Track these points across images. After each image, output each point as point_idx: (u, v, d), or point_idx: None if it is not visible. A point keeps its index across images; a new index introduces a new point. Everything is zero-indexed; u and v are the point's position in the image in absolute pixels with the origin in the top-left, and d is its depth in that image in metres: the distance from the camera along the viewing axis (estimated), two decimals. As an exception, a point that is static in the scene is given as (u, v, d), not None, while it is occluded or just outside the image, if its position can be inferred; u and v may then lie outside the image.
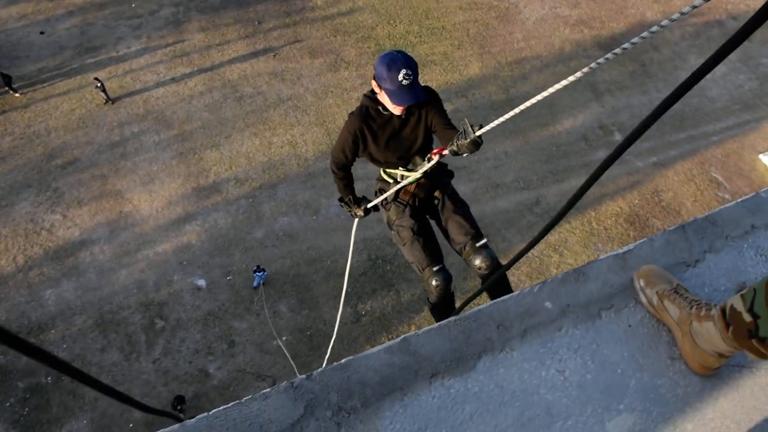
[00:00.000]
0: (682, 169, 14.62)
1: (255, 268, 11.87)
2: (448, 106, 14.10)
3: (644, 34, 1.51)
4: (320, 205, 13.25)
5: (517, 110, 2.51)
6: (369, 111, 3.45)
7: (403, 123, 3.51)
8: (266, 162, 14.01)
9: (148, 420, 10.42)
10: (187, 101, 15.14)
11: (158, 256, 12.41)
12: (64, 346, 11.14)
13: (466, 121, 3.01)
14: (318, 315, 11.69)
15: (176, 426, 1.65)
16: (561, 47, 17.08)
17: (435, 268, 3.68)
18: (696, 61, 16.97)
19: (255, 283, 11.86)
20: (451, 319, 1.85)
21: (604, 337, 1.80)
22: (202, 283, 12.07)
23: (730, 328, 1.50)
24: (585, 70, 1.80)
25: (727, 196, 14.16)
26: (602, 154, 14.55)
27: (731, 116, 15.82)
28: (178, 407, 10.31)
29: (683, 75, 16.54)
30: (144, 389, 10.75)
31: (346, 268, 4.66)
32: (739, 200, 2.15)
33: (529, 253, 12.66)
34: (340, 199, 4.15)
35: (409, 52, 16.35)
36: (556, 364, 1.74)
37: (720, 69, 16.83)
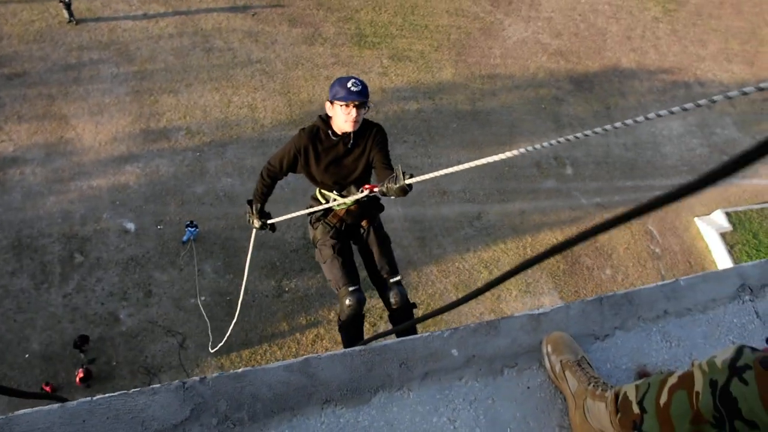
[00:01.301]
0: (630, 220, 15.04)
1: (188, 222, 11.63)
2: (413, 105, 14.08)
3: (675, 109, 1.56)
4: (267, 174, 13.07)
5: (451, 170, 2.83)
6: (319, 132, 3.71)
7: (347, 151, 3.77)
8: (222, 119, 13.74)
9: (46, 353, 10.11)
10: (155, 40, 14.69)
11: (91, 191, 12.02)
12: (-27, 261, 10.70)
13: (399, 168, 3.33)
14: (241, 282, 11.55)
15: (56, 406, 1.59)
16: (535, 72, 17.33)
17: (351, 288, 3.91)
18: (657, 116, 17.49)
19: (185, 238, 11.63)
20: (357, 348, 1.84)
21: (501, 394, 1.82)
22: (131, 226, 11.76)
23: (619, 415, 1.55)
24: (566, 138, 1.83)
25: (657, 250, 14.66)
26: (551, 184, 14.86)
27: (678, 176, 16.37)
28: (82, 347, 10.03)
29: (643, 126, 17.05)
30: (49, 322, 10.41)
31: (244, 272, 4.93)
32: (659, 283, 2.21)
33: (460, 264, 12.85)
34: (249, 202, 4.38)
35: (387, 43, 16.37)
36: (449, 413, 1.75)
37: (677, 129, 17.41)
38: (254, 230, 4.55)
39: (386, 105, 15.04)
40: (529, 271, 13.25)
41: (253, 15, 15.97)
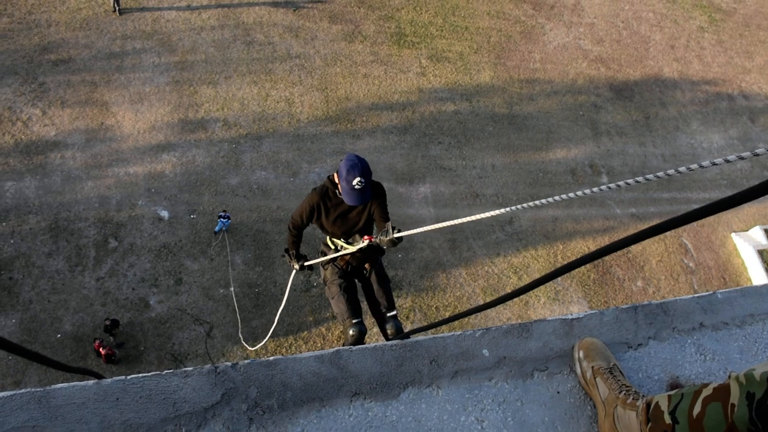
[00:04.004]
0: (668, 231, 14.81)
1: (221, 213, 11.77)
2: (450, 106, 14.07)
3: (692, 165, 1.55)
4: (300, 168, 13.17)
5: (438, 225, 3.04)
6: (328, 191, 4.29)
7: (352, 207, 4.35)
8: (259, 112, 13.87)
9: (77, 335, 10.32)
10: (197, 32, 14.89)
11: (128, 177, 12.23)
12: (12, 241, 10.95)
13: (389, 224, 4.07)
14: (270, 275, 11.65)
15: (92, 382, 1.61)
16: (574, 79, 17.14)
17: (354, 321, 4.54)
18: (698, 128, 17.18)
19: (217, 228, 11.78)
20: (388, 343, 1.85)
21: (530, 397, 1.80)
22: (165, 214, 11.94)
23: (650, 424, 1.52)
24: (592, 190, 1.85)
25: (691, 264, 14.40)
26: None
27: (716, 189, 16.05)
28: (112, 330, 10.23)
29: (683, 137, 16.75)
30: (81, 304, 10.63)
31: (285, 293, 5.40)
32: (696, 295, 2.16)
33: (489, 269, 12.78)
34: (286, 250, 4.99)
35: (427, 43, 16.37)
36: (477, 413, 1.73)
37: (719, 142, 17.07)
38: (293, 273, 5.25)
39: (423, 105, 15.02)
40: (559, 279, 13.12)
41: (294, 10, 16.07)
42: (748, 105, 18.28)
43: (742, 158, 1.50)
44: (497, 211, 2.43)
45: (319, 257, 4.84)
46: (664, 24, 19.71)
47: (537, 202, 2.16)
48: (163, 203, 12.07)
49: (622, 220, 14.60)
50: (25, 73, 12.98)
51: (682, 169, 1.65)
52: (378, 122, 14.44)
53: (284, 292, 11.39)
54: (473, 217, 2.51)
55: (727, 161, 1.52)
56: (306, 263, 4.96)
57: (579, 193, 2.05)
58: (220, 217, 11.72)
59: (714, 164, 1.61)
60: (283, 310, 6.20)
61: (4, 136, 12.02)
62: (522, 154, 14.99)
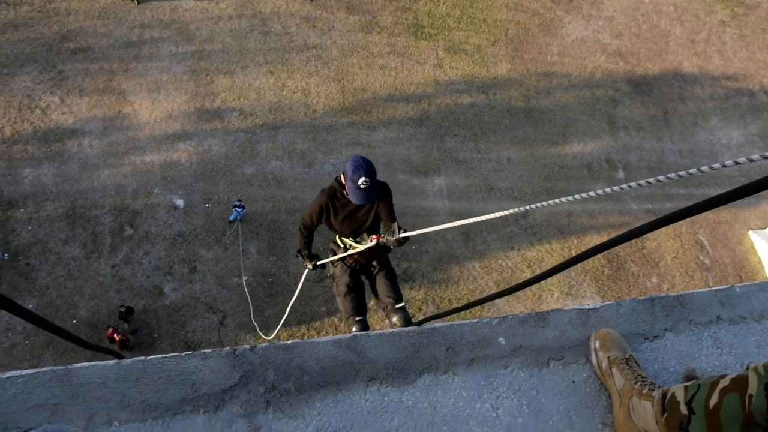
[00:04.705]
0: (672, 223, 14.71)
1: (236, 202, 11.82)
2: (467, 99, 14.00)
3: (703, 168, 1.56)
4: (316, 159, 13.19)
5: (441, 227, 3.29)
6: (335, 192, 4.43)
7: (359, 207, 4.51)
8: (275, 102, 13.89)
9: (92, 321, 10.43)
10: (214, 21, 14.92)
11: (144, 165, 12.31)
12: (29, 227, 11.07)
13: (396, 224, 4.24)
14: (284, 265, 11.70)
15: (112, 362, 1.64)
16: (592, 72, 17.00)
17: (357, 319, 4.75)
18: (717, 123, 16.99)
19: (232, 217, 11.83)
20: (405, 329, 1.86)
21: (546, 386, 1.80)
22: (180, 203, 12.01)
23: (665, 415, 1.52)
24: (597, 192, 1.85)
25: (707, 261, 14.28)
26: (601, 187, 14.57)
27: (734, 186, 15.87)
28: (127, 317, 10.33)
29: (702, 133, 16.59)
30: (96, 291, 10.73)
31: (298, 285, 5.73)
32: (713, 288, 2.15)
33: (503, 262, 12.75)
34: (298, 251, 5.15)
35: (444, 35, 16.31)
36: (493, 400, 1.74)
37: (738, 138, 16.88)
38: (306, 271, 5.39)
39: (439, 97, 14.98)
40: (573, 273, 13.07)
41: (311, 1, 16.06)
42: (768, 101, 18.07)
43: (766, 157, 1.49)
44: (500, 213, 2.42)
45: (330, 255, 5.03)
46: (685, 18, 19.49)
47: (551, 202, 2.15)
48: (179, 192, 12.14)
49: (638, 216, 14.50)
50: (44, 61, 13.08)
51: (705, 168, 1.65)
52: (394, 114, 14.42)
53: (297, 282, 11.45)
54: (468, 220, 2.56)
55: (751, 160, 1.50)
56: (318, 263, 5.12)
57: (599, 192, 2.05)
58: (234, 206, 11.77)
59: (737, 163, 1.60)
60: (295, 300, 6.32)
61: (23, 123, 12.14)
62: (538, 148, 14.92)
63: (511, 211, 2.35)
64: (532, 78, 16.35)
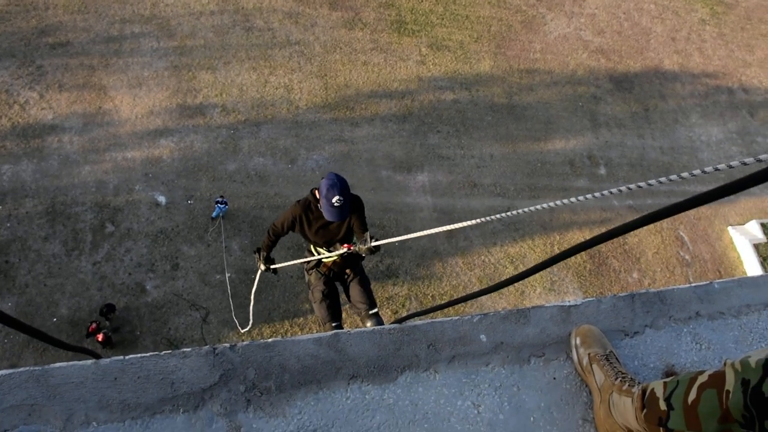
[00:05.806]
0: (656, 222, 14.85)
1: (218, 198, 11.75)
2: (449, 95, 14.01)
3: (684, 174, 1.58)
4: (299, 155, 13.14)
5: (417, 234, 3.41)
6: (310, 204, 4.64)
7: None
8: (258, 98, 13.82)
9: (74, 319, 10.33)
10: (196, 16, 14.80)
11: (126, 162, 12.20)
12: (8, 225, 10.94)
13: (368, 234, 4.49)
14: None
15: (90, 362, 1.62)
16: (574, 69, 17.10)
17: (333, 324, 5.05)
18: (697, 121, 17.16)
19: (214, 214, 11.76)
20: (386, 327, 1.87)
21: (526, 383, 1.81)
22: (162, 199, 11.92)
23: (645, 410, 1.54)
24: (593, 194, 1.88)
25: (687, 257, 14.43)
26: (583, 183, 14.69)
27: (714, 183, 16.04)
28: (108, 315, 10.24)
29: (682, 130, 16.74)
30: (77, 288, 10.63)
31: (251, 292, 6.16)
32: (693, 284, 2.18)
33: (486, 258, 12.80)
34: (257, 250, 5.37)
35: (427, 31, 16.30)
36: (474, 398, 1.75)
37: (717, 135, 17.06)
38: (259, 272, 5.57)
39: (422, 94, 14.98)
40: (555, 269, 13.15)
41: (294, -4, 15.99)
42: (747, 99, 18.26)
43: (745, 164, 1.51)
44: (494, 217, 2.43)
45: (289, 261, 5.44)
46: (666, 16, 19.66)
47: (539, 206, 2.17)
48: (161, 188, 12.05)
49: (620, 212, 14.62)
50: (23, 55, 12.91)
51: (685, 174, 1.67)
52: (377, 110, 14.40)
53: (277, 278, 11.40)
54: (451, 226, 2.62)
55: (730, 167, 1.53)
56: (272, 266, 5.40)
57: (588, 196, 2.07)
58: (217, 202, 11.70)
59: (716, 170, 1.63)
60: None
61: (1, 119, 11.97)
62: (521, 144, 14.98)
63: (488, 218, 2.37)
64: (515, 75, 16.41)
